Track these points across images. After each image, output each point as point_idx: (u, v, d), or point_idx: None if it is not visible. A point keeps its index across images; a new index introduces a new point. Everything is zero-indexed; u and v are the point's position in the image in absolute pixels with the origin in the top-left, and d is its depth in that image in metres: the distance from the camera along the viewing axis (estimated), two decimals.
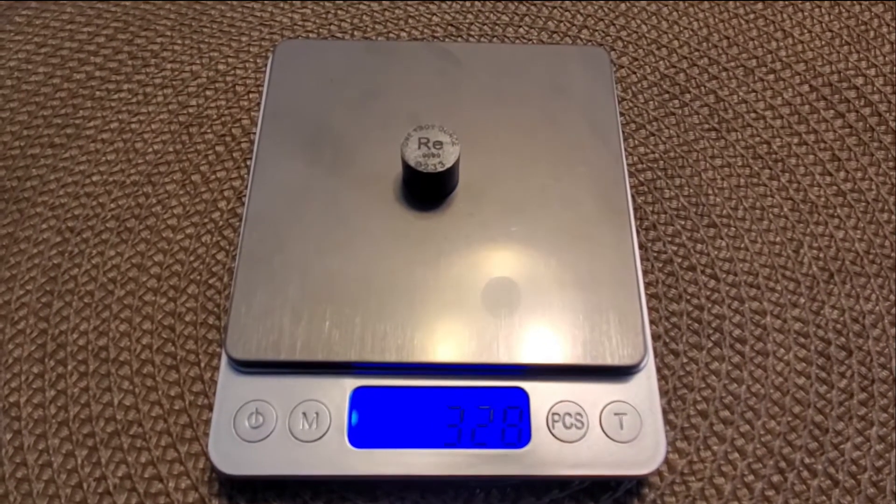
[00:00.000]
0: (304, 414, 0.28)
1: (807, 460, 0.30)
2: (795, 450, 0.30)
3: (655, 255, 0.34)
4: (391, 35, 0.41)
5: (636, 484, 0.29)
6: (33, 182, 0.36)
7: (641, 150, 0.38)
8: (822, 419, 0.31)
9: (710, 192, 0.36)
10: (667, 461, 0.30)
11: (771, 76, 0.40)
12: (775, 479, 0.29)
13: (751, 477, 0.29)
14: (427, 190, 0.31)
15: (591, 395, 0.28)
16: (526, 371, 0.29)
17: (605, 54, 0.37)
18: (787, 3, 0.43)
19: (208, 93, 0.39)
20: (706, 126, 0.38)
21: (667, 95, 0.39)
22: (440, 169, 0.30)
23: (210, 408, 0.30)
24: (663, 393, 0.31)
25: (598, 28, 0.42)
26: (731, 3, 0.43)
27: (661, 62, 0.40)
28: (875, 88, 0.40)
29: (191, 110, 0.38)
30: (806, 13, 0.43)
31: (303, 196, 0.32)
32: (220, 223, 0.35)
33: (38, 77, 0.39)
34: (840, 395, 0.31)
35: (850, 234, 0.35)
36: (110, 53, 0.40)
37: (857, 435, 0.30)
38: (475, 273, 0.30)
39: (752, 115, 0.39)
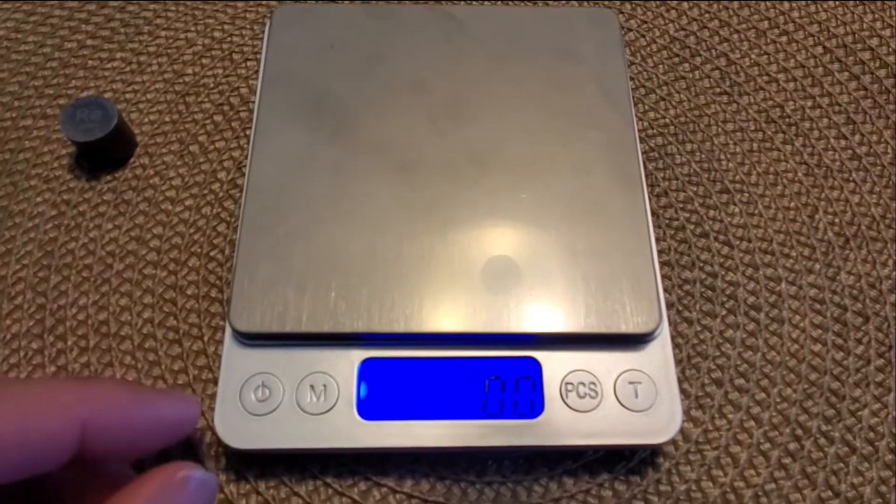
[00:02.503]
0: (312, 386, 0.27)
1: (823, 427, 0.29)
2: (812, 417, 0.30)
3: (667, 222, 0.34)
4: None
5: (651, 453, 0.29)
6: (26, 154, 0.35)
7: (651, 115, 0.37)
8: (839, 386, 0.30)
9: (722, 157, 0.35)
10: (682, 430, 0.29)
11: (784, 38, 0.39)
12: (792, 446, 0.29)
13: (767, 445, 0.29)
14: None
15: (605, 364, 0.28)
16: (538, 340, 0.28)
17: (613, 16, 0.35)
18: None
19: (204, 61, 0.38)
20: (717, 90, 0.37)
21: (677, 59, 0.38)
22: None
23: (215, 382, 0.29)
24: (677, 361, 0.30)
25: None
26: None
27: (670, 24, 0.39)
28: (890, 49, 0.39)
29: (187, 79, 0.37)
30: None
31: (305, 165, 0.31)
32: (221, 194, 0.34)
33: (28, 46, 0.38)
34: (857, 362, 0.31)
35: (866, 198, 0.34)
36: (102, 21, 0.39)
37: (874, 401, 0.30)
38: (485, 241, 0.29)
39: (765, 77, 0.38)
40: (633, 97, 0.37)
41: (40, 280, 0.32)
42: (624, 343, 0.28)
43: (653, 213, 0.34)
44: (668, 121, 0.36)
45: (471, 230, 0.29)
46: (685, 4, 0.40)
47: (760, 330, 0.31)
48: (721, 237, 0.33)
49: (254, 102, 0.34)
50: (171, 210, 0.33)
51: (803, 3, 0.40)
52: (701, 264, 0.33)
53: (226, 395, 0.27)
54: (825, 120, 0.37)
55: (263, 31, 0.38)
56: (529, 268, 0.29)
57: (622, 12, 0.40)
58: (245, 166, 0.33)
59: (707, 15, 0.40)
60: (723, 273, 0.32)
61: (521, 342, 0.28)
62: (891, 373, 0.30)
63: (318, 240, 0.29)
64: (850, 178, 0.35)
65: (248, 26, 0.39)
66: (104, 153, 0.34)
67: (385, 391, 0.27)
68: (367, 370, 0.27)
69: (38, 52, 0.38)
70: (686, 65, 0.38)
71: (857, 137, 0.36)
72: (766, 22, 0.39)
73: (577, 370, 0.28)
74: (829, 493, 0.28)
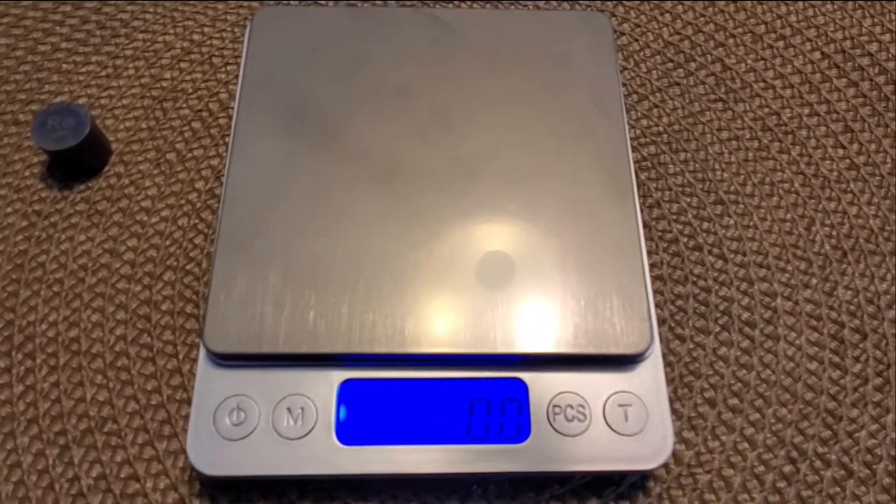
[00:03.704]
0: (289, 409, 0.26)
1: (820, 450, 0.28)
2: (808, 439, 0.29)
3: (660, 234, 0.33)
4: (377, 0, 0.39)
5: (641, 477, 0.28)
6: None
7: (644, 122, 0.35)
8: (836, 406, 0.29)
9: (716, 166, 0.34)
10: (673, 453, 0.28)
11: (780, 43, 0.38)
12: (787, 469, 0.28)
13: (761, 468, 0.28)
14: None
15: (594, 385, 0.27)
16: (524, 361, 0.27)
17: (606, 20, 0.34)
18: None
19: (183, 65, 0.36)
20: (712, 97, 0.36)
21: (671, 64, 0.37)
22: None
23: (189, 402, 0.28)
24: (669, 381, 0.29)
25: None
26: None
27: (664, 28, 0.38)
28: (890, 55, 0.38)
29: (164, 84, 0.36)
30: None
31: (285, 175, 0.29)
32: (198, 205, 0.33)
33: None
34: (854, 381, 0.30)
35: (865, 210, 0.33)
36: (77, 23, 0.37)
37: (872, 422, 0.29)
38: (470, 256, 0.28)
39: (761, 84, 0.37)
40: (626, 104, 0.36)
41: (9, 294, 0.30)
42: (613, 364, 0.27)
43: (645, 226, 0.33)
44: (661, 129, 0.35)
45: (455, 244, 0.28)
46: (680, 7, 0.39)
47: (755, 347, 0.30)
48: (715, 250, 0.32)
49: (233, 108, 0.33)
50: (146, 221, 0.32)
51: (801, 6, 0.39)
52: (694, 279, 0.32)
53: (199, 418, 0.26)
54: (823, 128, 0.36)
55: (244, 34, 0.37)
56: (517, 284, 0.27)
57: (615, 15, 0.39)
58: (224, 176, 0.32)
59: (702, 18, 0.39)
60: (717, 288, 0.31)
61: (507, 363, 0.27)
62: (889, 392, 0.29)
63: (297, 255, 0.28)
64: (848, 189, 0.34)
65: (228, 28, 0.37)
66: (77, 162, 0.32)
67: (365, 414, 0.26)
68: (347, 392, 0.26)
69: (10, 56, 0.36)
70: (680, 70, 0.37)
71: (856, 146, 0.35)
72: (762, 26, 0.38)
73: (565, 392, 0.27)
74: None
